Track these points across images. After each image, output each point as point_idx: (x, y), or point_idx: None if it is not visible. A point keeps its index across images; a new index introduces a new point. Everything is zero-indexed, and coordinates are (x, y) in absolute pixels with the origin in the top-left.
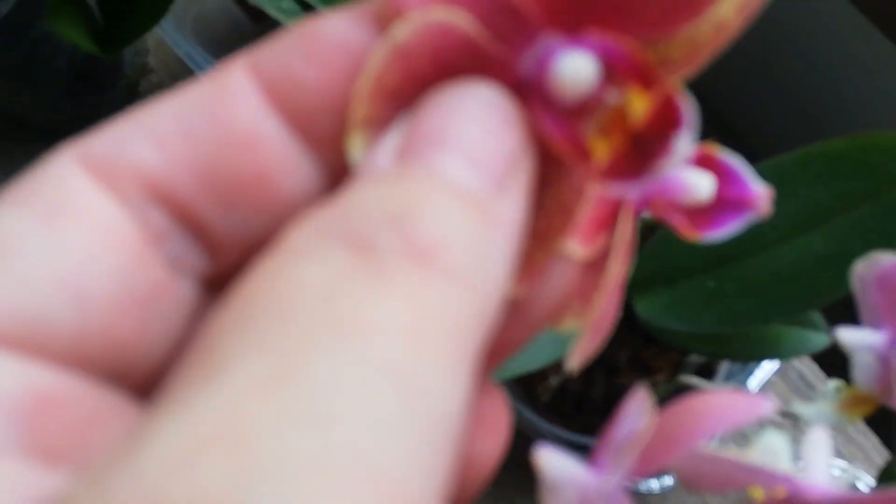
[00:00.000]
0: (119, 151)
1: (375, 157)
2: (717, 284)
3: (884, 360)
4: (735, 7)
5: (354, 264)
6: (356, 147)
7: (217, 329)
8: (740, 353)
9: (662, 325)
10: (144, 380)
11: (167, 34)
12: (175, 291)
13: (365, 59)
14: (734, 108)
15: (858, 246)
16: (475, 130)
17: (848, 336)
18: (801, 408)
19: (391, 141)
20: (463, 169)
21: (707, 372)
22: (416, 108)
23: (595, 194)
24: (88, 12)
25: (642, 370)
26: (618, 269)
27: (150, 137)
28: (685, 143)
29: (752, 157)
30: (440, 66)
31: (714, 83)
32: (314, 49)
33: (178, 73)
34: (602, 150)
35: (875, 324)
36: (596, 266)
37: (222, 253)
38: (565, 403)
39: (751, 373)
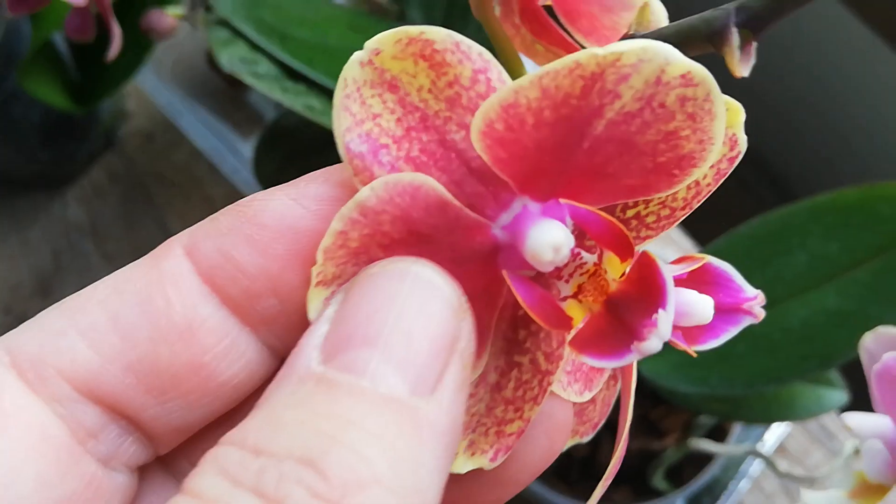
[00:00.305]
0: (50, 350)
1: (301, 351)
2: (727, 343)
3: (892, 448)
4: (710, 166)
5: None
6: (313, 310)
7: None
8: (753, 413)
9: (671, 385)
10: None
11: (146, 81)
12: (108, 486)
13: (306, 242)
14: (772, 146)
15: (873, 303)
16: (406, 323)
17: (855, 422)
18: (810, 497)
19: (320, 330)
20: (391, 374)
21: (719, 432)
22: (348, 289)
23: (580, 365)
24: (63, 67)
25: (651, 431)
26: (628, 421)
27: (82, 333)
28: (668, 320)
29: (789, 196)
30: (409, 228)
31: (754, 121)
32: (255, 233)
33: (158, 119)
34: (578, 315)
35: (884, 410)
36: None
37: (161, 442)
38: (571, 469)
39: (763, 432)
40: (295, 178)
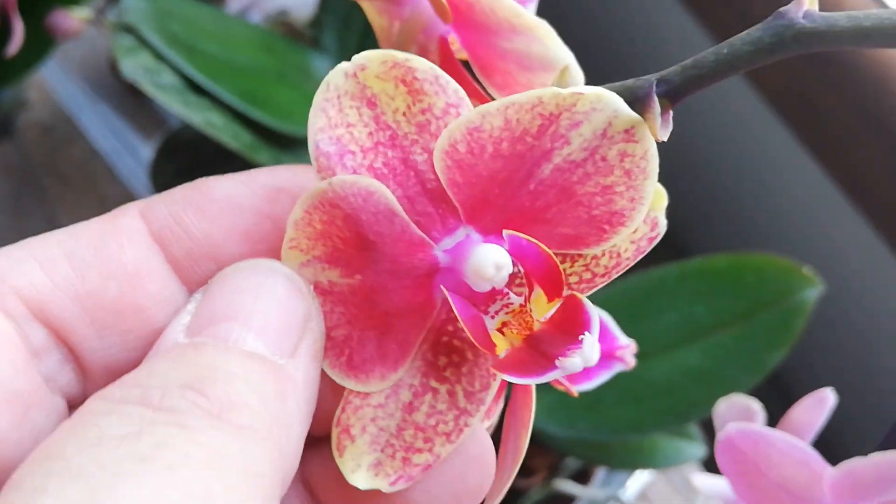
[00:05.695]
0: (8, 272)
1: (166, 335)
2: (596, 391)
3: None
4: (630, 239)
5: (155, 416)
6: (287, 263)
7: (21, 472)
8: (616, 459)
9: (540, 426)
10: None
11: (50, 73)
12: (48, 403)
13: (249, 220)
14: (671, 204)
15: (731, 366)
16: (263, 304)
17: (701, 483)
18: None
19: (182, 319)
20: (252, 339)
21: (584, 476)
22: (207, 287)
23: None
24: None
25: (520, 470)
26: (522, 451)
27: (39, 263)
28: (593, 343)
29: (682, 253)
30: (358, 230)
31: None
32: (205, 205)
33: (59, 112)
34: (501, 345)
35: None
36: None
37: (92, 378)
38: None
39: (627, 478)
40: None
